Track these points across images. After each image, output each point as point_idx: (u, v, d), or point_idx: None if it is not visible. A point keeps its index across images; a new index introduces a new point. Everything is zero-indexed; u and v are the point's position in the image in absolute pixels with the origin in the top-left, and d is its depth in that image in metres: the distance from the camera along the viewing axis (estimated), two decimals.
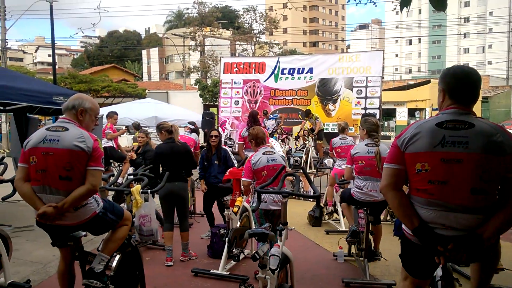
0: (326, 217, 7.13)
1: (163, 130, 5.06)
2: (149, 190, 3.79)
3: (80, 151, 2.75)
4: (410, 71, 70.05)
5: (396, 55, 72.31)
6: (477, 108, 42.28)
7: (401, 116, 37.12)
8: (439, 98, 2.34)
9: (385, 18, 77.37)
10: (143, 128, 10.95)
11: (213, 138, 5.74)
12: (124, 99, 25.19)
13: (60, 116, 2.97)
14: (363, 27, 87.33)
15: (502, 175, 2.09)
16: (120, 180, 6.99)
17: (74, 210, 2.76)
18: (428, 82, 38.37)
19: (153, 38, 69.61)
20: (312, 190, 3.76)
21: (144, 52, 62.12)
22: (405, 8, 3.43)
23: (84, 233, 2.85)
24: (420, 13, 68.91)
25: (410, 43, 72.03)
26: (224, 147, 6.20)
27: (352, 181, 4.73)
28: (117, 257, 3.22)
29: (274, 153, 4.32)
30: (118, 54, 61.24)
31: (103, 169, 2.87)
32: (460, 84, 2.22)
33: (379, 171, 4.35)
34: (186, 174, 6.58)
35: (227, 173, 5.12)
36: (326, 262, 5.17)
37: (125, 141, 17.16)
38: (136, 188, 3.58)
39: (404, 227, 2.32)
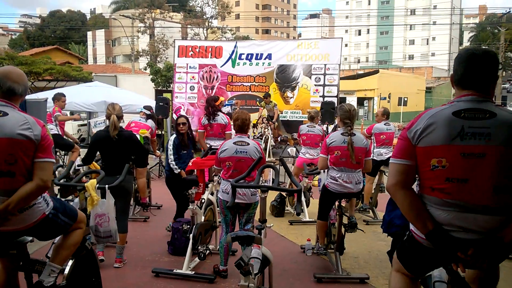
0: (288, 207, 6.96)
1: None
2: (106, 186, 3.32)
3: (25, 140, 2.25)
4: (358, 61, 71.81)
5: (346, 45, 73.78)
6: (421, 98, 44.23)
7: None
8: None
9: (335, 7, 78.66)
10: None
11: (181, 125, 5.37)
12: (68, 83, 23.69)
13: None
14: (314, 16, 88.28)
15: None
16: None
17: (19, 212, 2.28)
18: (377, 72, 39.44)
19: (99, 19, 66.19)
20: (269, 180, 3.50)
21: (89, 34, 59.00)
22: None
23: (30, 238, 2.38)
24: (369, 3, 70.62)
25: (359, 34, 73.71)
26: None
27: (324, 174, 4.51)
28: (70, 262, 2.77)
29: (248, 144, 3.89)
30: (61, 35, 57.64)
31: (54, 160, 2.39)
32: (468, 70, 1.97)
33: (352, 161, 4.15)
34: (138, 165, 6.10)
35: (190, 163, 4.73)
36: (293, 256, 4.95)
37: (70, 127, 16.14)
38: (91, 183, 3.09)
39: (412, 228, 2.07)
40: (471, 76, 1.96)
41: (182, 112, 12.18)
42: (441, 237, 1.90)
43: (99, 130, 4.82)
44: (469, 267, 1.97)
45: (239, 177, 3.24)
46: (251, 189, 3.70)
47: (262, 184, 3.17)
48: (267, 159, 9.36)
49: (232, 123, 4.72)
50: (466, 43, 75.03)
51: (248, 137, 4.02)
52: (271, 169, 6.29)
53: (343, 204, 4.40)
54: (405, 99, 38.42)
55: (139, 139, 4.63)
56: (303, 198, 6.67)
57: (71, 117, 7.33)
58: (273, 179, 8.25)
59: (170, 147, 5.28)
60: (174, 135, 5.41)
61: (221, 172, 3.98)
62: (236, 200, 3.83)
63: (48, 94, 8.74)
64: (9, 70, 2.42)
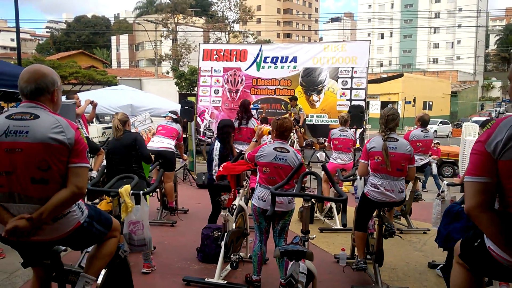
0: (318, 213, 6.74)
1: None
2: (141, 192, 3.19)
3: (58, 144, 2.09)
4: (381, 65, 70.84)
5: None
6: (446, 102, 43.21)
7: (374, 108, 37.37)
8: None
9: (358, 11, 77.91)
10: None
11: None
12: (92, 86, 24.04)
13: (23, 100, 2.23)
14: (335, 20, 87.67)
15: None
16: (93, 174, 6.29)
17: (53, 221, 2.14)
18: (401, 75, 38.73)
19: (123, 24, 67.32)
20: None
21: (113, 39, 60.05)
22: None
23: (63, 247, 2.25)
24: (392, 7, 69.68)
25: (382, 37, 72.75)
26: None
27: (360, 181, 4.30)
28: (103, 271, 2.64)
29: (288, 152, 3.68)
30: (86, 40, 58.86)
31: (88, 165, 2.24)
32: None
33: (387, 168, 3.91)
34: (166, 169, 6.01)
35: (220, 168, 4.57)
36: (328, 266, 4.74)
37: (95, 130, 16.24)
38: (126, 188, 2.96)
39: (490, 245, 1.84)
40: None
41: (207, 116, 12.10)
42: None
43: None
44: None
45: (278, 185, 3.06)
46: (289, 197, 3.51)
47: (306, 192, 2.97)
48: None
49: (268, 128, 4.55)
50: (492, 46, 73.33)
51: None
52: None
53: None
54: (430, 103, 37.56)
55: (141, 139, 4.85)
56: (333, 205, 6.46)
57: (86, 104, 7.09)
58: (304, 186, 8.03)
59: (216, 156, 5.09)
60: (219, 143, 5.20)
61: (258, 177, 3.80)
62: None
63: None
64: (27, 71, 2.25)
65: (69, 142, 2.13)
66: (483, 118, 28.79)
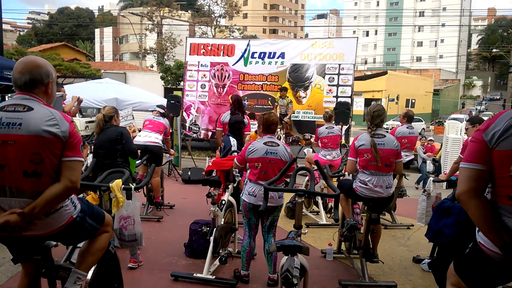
0: (304, 209, 6.78)
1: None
2: (132, 186, 3.16)
3: (51, 137, 2.05)
4: (365, 62, 71.40)
5: None
6: (428, 100, 43.82)
7: (358, 105, 37.67)
8: None
9: (344, 8, 78.34)
10: None
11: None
12: (75, 80, 23.65)
13: (16, 93, 2.19)
14: (321, 16, 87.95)
15: None
16: None
17: (45, 216, 2.10)
18: (385, 73, 39.09)
19: (107, 17, 66.32)
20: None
21: (97, 31, 59.12)
22: None
23: (54, 243, 2.21)
24: (378, 4, 70.21)
25: (367, 35, 73.28)
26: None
27: (348, 177, 4.35)
28: (93, 267, 2.61)
29: (278, 145, 3.74)
30: (69, 32, 57.84)
31: (82, 159, 2.20)
32: None
33: (377, 164, 3.96)
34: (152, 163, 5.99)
35: (209, 163, 4.57)
36: (314, 260, 4.76)
37: (78, 124, 16.01)
38: (117, 183, 2.93)
39: (481, 240, 1.89)
40: None
41: (193, 111, 12.02)
42: None
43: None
44: None
45: (271, 180, 3.07)
46: (279, 192, 3.54)
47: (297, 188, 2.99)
48: None
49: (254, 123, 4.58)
50: (474, 46, 74.64)
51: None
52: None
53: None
54: (413, 101, 38.08)
55: (127, 133, 4.80)
56: (320, 201, 6.51)
57: (73, 101, 6.98)
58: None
59: (236, 153, 5.11)
60: (234, 140, 5.24)
61: (248, 173, 3.81)
62: (261, 203, 3.65)
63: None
64: (22, 62, 2.21)
65: (63, 135, 2.09)
66: (463, 116, 29.22)
